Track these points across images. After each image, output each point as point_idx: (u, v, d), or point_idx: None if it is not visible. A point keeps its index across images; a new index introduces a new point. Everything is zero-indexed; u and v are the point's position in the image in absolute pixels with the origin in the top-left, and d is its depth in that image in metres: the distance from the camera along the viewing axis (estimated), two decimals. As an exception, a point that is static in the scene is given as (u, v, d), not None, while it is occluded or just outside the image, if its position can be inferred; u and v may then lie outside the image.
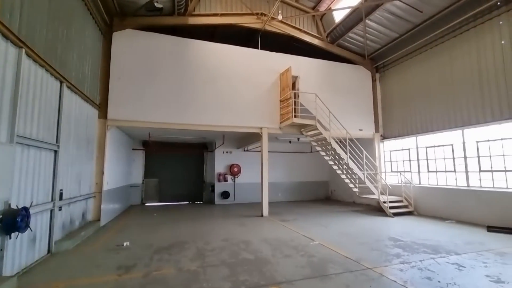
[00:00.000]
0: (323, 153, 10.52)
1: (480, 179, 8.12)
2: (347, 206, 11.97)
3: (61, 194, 5.61)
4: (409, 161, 10.55)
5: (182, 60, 9.38)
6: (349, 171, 10.02)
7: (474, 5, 8.02)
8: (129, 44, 8.83)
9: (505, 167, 7.53)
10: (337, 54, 11.81)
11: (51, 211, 5.24)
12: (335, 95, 11.08)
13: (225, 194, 13.17)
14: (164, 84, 9.04)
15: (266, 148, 9.84)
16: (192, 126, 9.23)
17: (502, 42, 7.55)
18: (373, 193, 9.77)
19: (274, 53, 10.68)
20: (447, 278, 3.99)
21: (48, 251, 5.14)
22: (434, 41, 9.49)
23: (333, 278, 4.01)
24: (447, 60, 9.08)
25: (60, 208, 5.60)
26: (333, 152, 10.08)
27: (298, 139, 12.48)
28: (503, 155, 7.56)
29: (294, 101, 9.49)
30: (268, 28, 10.82)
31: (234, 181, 13.50)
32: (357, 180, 9.89)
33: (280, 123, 10.16)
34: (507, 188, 7.43)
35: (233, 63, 10.01)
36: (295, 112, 9.46)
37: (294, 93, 9.62)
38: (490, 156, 7.87)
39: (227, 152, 13.60)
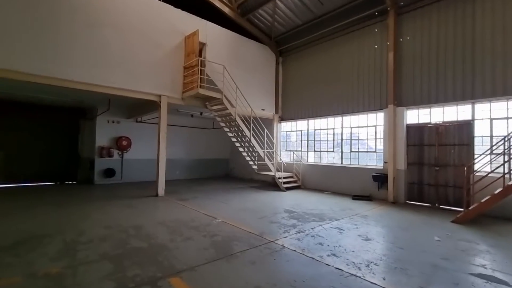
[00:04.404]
0: (226, 129, 10.26)
1: (350, 158, 9.99)
2: (245, 182, 12.41)
3: None
4: (301, 141, 11.83)
5: (45, -14, 6.64)
6: (250, 148, 10.24)
7: (359, 10, 9.31)
8: None
9: (367, 149, 9.52)
10: (246, 28, 11.49)
11: None
12: (241, 71, 10.84)
13: (109, 172, 11.02)
14: (13, 15, 6.18)
15: (165, 120, 8.62)
16: (61, 81, 6.84)
17: (375, 46, 9.21)
18: (270, 170, 10.43)
19: (179, 10, 9.23)
20: (333, 241, 4.53)
21: None
22: (327, 36, 10.61)
23: (239, 256, 3.80)
24: (336, 56, 10.39)
25: None
26: (236, 129, 9.99)
27: (201, 113, 11.72)
28: (366, 139, 9.53)
29: (201, 70, 8.61)
30: (173, -22, 9.18)
31: (122, 157, 11.47)
32: (256, 157, 10.25)
33: (183, 92, 9.08)
34: (366, 165, 9.44)
35: (127, 10, 7.98)
36: (201, 82, 8.62)
37: (201, 61, 8.71)
38: (358, 139, 9.77)
39: (113, 122, 11.28)
